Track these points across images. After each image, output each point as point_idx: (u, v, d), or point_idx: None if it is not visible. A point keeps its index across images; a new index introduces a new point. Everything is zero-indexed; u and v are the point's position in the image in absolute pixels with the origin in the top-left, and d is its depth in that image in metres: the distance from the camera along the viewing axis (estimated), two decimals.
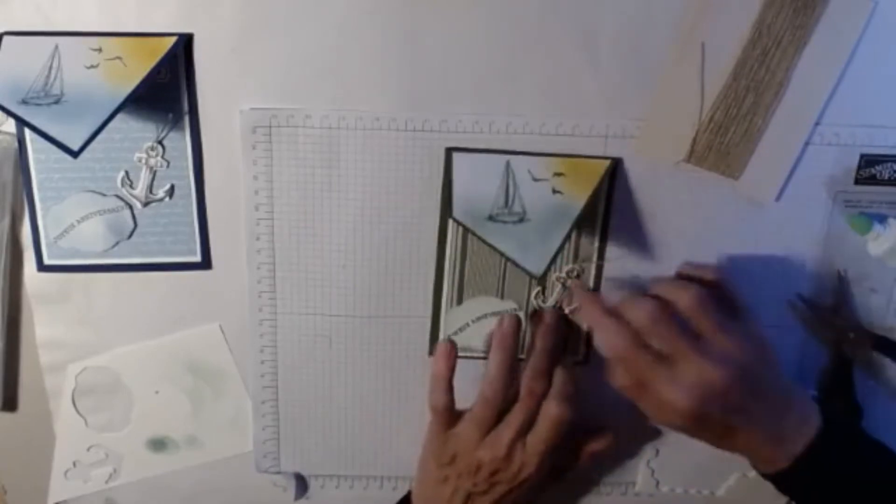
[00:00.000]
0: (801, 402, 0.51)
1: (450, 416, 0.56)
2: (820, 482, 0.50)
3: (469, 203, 0.52)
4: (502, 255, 0.51)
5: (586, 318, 0.56)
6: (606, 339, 0.50)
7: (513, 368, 0.55)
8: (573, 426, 0.54)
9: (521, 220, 0.52)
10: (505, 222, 0.52)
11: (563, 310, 0.57)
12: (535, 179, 0.52)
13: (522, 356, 0.58)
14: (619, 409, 0.59)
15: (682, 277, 0.54)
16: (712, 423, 0.48)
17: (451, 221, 0.55)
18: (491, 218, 0.52)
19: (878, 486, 0.51)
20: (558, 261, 0.56)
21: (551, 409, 0.54)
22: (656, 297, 0.50)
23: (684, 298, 0.49)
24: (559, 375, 0.55)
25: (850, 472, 0.50)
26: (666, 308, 0.49)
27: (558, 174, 0.52)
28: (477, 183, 0.53)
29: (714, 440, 0.50)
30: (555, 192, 0.52)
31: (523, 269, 0.51)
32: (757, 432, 0.49)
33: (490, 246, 0.52)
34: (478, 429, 0.55)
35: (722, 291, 0.51)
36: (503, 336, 0.56)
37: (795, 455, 0.49)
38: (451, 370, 0.55)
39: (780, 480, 0.51)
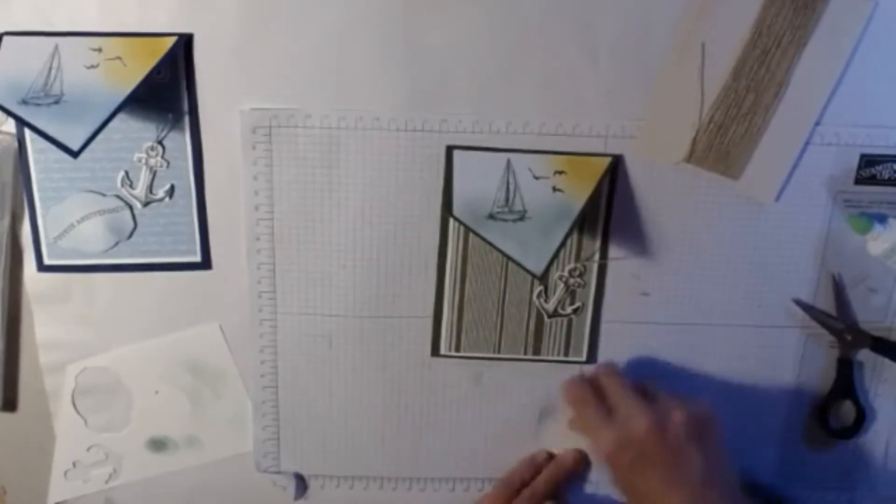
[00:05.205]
0: None
1: None
2: None
3: (469, 201, 0.52)
4: (503, 253, 0.51)
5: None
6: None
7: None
8: None
9: (522, 219, 0.52)
10: (505, 220, 0.52)
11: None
12: (536, 177, 0.52)
13: None
14: None
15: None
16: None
17: (452, 221, 0.55)
18: (491, 216, 0.52)
19: None
20: (561, 260, 0.56)
21: None
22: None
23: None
24: None
25: None
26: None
27: (559, 172, 0.52)
28: (477, 181, 0.53)
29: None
30: (555, 189, 0.52)
31: (524, 268, 0.51)
32: None
33: (490, 244, 0.52)
34: None
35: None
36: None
37: None
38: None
39: None
